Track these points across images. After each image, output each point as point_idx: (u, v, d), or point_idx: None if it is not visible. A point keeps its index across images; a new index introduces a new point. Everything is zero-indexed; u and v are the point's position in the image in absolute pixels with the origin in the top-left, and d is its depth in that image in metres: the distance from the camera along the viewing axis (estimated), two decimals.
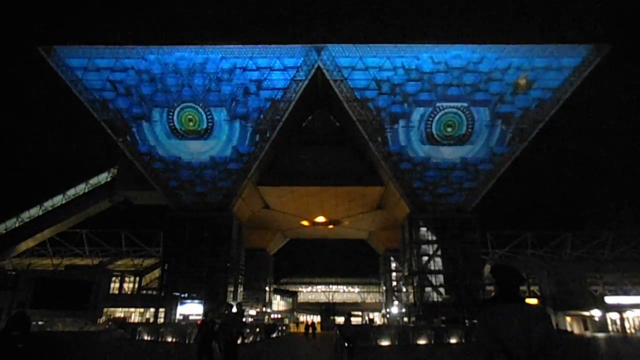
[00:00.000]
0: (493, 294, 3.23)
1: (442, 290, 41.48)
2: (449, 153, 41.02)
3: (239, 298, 45.39)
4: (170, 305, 39.79)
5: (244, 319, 12.85)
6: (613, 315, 44.01)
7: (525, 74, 39.61)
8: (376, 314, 69.16)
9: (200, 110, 40.67)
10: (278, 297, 72.17)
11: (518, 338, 2.84)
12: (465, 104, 40.29)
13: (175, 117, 40.82)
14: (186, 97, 40.56)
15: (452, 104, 40.34)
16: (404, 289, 51.39)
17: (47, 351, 18.27)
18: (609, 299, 44.30)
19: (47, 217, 48.09)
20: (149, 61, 39.94)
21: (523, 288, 47.64)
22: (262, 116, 40.67)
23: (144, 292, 53.78)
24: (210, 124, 40.92)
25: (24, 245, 49.66)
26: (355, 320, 70.66)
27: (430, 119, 40.52)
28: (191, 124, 40.92)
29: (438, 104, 40.37)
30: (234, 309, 11.43)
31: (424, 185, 41.84)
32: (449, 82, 39.90)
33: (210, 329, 10.08)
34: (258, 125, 40.76)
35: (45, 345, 21.12)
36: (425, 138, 40.80)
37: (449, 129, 40.61)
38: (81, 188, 48.60)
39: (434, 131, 40.67)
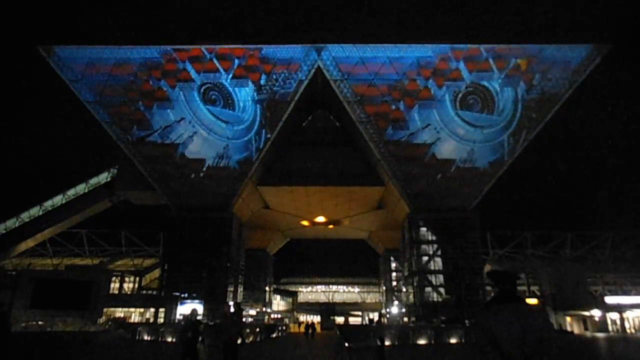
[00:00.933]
0: (493, 294, 3.36)
1: (442, 290, 41.47)
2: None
3: (239, 298, 45.38)
4: (170, 305, 39.81)
5: (243, 319, 12.70)
6: (613, 315, 43.94)
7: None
8: (376, 313, 69.11)
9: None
10: (278, 297, 72.15)
11: (513, 336, 2.91)
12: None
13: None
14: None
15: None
16: (404, 289, 51.35)
17: (46, 351, 18.28)
18: (609, 299, 44.24)
19: (47, 217, 48.11)
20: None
21: (523, 288, 47.60)
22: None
23: (144, 292, 53.74)
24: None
25: (24, 245, 49.67)
26: (354, 320, 70.78)
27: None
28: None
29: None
30: (232, 309, 11.33)
31: (423, 184, 41.79)
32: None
33: (195, 329, 9.79)
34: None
35: (44, 345, 21.14)
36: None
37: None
38: (81, 188, 48.62)
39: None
